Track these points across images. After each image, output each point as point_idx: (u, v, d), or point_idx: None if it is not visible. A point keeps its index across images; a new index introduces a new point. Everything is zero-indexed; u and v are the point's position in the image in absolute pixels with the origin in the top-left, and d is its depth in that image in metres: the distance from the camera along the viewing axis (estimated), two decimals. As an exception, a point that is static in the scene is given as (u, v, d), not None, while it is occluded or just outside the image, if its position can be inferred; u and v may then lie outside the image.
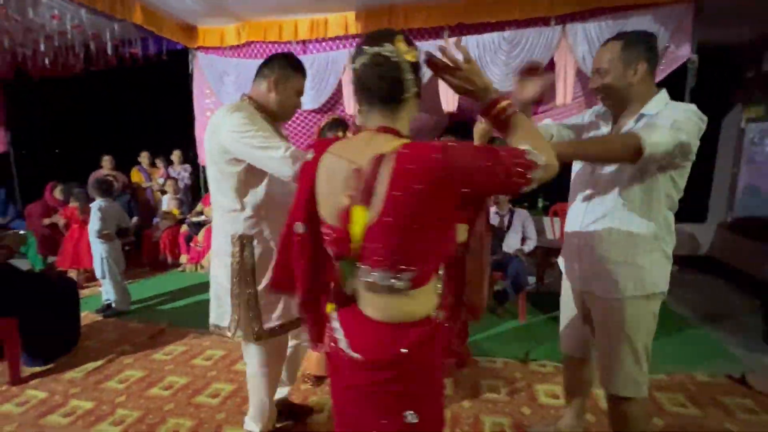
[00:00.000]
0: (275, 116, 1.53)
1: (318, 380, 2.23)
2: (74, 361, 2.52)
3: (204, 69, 4.74)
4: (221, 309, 1.56)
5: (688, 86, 3.40)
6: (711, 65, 3.57)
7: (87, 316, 3.20)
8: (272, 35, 4.35)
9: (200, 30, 4.59)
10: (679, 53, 3.42)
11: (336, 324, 0.92)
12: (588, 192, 1.42)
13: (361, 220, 0.81)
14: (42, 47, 4.04)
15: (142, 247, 4.86)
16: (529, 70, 1.22)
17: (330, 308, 0.95)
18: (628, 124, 1.32)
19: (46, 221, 4.39)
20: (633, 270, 1.33)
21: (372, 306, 0.88)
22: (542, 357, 2.51)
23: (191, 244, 4.72)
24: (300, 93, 1.55)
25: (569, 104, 3.78)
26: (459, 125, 5.72)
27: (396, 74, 0.83)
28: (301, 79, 1.53)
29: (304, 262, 0.96)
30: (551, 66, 3.70)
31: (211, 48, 4.66)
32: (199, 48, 4.71)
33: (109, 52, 4.18)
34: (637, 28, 3.43)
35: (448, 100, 3.99)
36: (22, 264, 3.34)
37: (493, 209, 3.78)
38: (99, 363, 2.50)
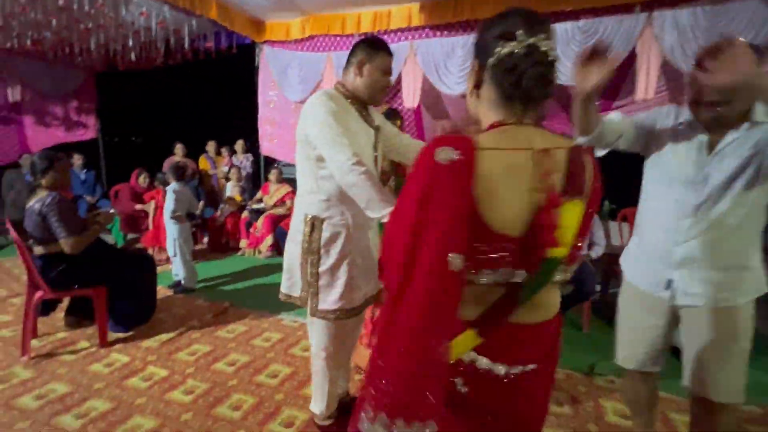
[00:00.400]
0: (366, 101, 1.54)
1: None
2: (151, 331, 2.75)
3: (269, 62, 4.92)
4: (291, 280, 1.65)
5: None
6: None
7: (159, 290, 3.47)
8: (335, 28, 4.40)
9: (268, 24, 4.77)
10: (791, 42, 2.98)
11: (473, 355, 0.75)
12: (691, 202, 1.29)
13: (574, 214, 0.72)
14: (130, 42, 4.41)
15: (207, 231, 5.19)
16: (592, 55, 1.00)
17: (469, 344, 0.74)
18: (735, 133, 1.22)
19: (138, 207, 4.81)
20: (751, 273, 1.29)
21: (544, 307, 0.79)
22: (608, 371, 2.33)
23: (251, 230, 4.97)
24: (387, 72, 1.52)
25: (650, 99, 3.45)
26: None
27: (553, 75, 0.75)
28: (386, 57, 1.50)
29: (453, 310, 0.70)
30: (633, 57, 3.40)
31: (277, 42, 4.83)
32: (265, 42, 4.90)
33: (186, 46, 4.48)
34: (739, 15, 3.06)
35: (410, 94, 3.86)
36: (106, 240, 3.70)
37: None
38: (171, 335, 2.71)
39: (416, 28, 4.11)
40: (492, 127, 0.77)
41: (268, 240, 4.79)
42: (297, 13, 4.45)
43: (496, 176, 0.69)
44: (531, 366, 0.77)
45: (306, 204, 1.55)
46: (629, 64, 3.44)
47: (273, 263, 4.55)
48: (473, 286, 0.73)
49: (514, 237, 0.71)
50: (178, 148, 5.68)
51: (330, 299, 1.55)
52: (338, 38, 4.51)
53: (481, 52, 0.78)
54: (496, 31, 0.74)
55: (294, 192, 4.97)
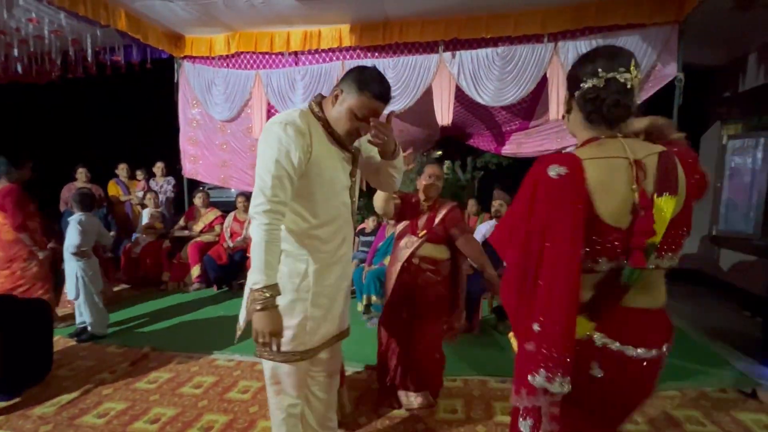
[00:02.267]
0: (337, 132, 1.33)
1: None
2: (45, 393, 2.26)
3: (190, 79, 4.58)
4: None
5: (675, 103, 3.51)
6: (693, 84, 3.71)
7: (59, 341, 2.92)
8: (264, 46, 4.26)
9: (188, 39, 4.46)
10: (666, 71, 3.55)
11: (600, 337, 0.91)
12: None
13: (668, 208, 0.86)
14: (15, 52, 3.80)
15: (120, 265, 4.56)
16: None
17: (587, 328, 0.91)
18: None
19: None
20: None
21: (652, 293, 0.93)
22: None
23: (174, 261, 4.47)
24: (359, 117, 1.28)
25: (563, 120, 3.83)
26: (449, 140, 5.76)
27: (629, 99, 0.91)
28: (370, 101, 1.26)
29: (578, 291, 0.87)
30: (544, 81, 3.76)
31: (199, 57, 4.53)
32: (185, 57, 4.56)
33: (89, 59, 3.99)
34: (626, 46, 3.56)
35: (443, 113, 3.98)
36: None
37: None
38: (74, 395, 2.25)
39: (347, 49, 4.14)
40: (587, 142, 0.96)
41: (195, 270, 4.34)
42: (221, 28, 4.23)
43: (602, 179, 0.87)
44: (656, 351, 0.92)
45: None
46: (542, 87, 3.81)
47: (202, 296, 4.13)
48: (590, 273, 0.90)
49: (624, 229, 0.87)
50: (81, 173, 4.96)
51: (285, 339, 1.33)
52: (266, 56, 4.37)
53: (570, 85, 0.98)
54: (582, 68, 0.94)
55: (224, 216, 4.67)
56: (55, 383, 2.38)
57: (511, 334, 1.03)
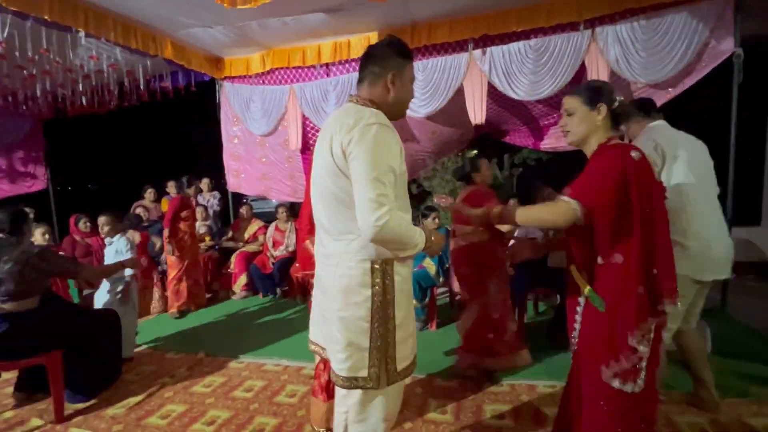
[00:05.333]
0: (392, 117, 1.31)
1: None
2: (116, 396, 2.47)
3: (230, 97, 4.85)
4: (354, 358, 1.26)
5: (735, 82, 3.21)
6: (755, 60, 3.37)
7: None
8: (296, 60, 4.42)
9: (227, 60, 4.72)
10: (721, 47, 3.25)
11: None
12: None
13: None
14: (80, 87, 4.21)
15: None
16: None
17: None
18: None
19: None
20: None
21: None
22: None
23: (222, 271, 4.71)
24: (413, 80, 1.36)
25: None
26: (484, 138, 5.64)
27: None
28: (412, 66, 1.35)
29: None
30: (582, 70, 3.59)
31: (237, 77, 4.78)
32: (225, 78, 4.83)
33: (142, 87, 4.34)
34: (673, 25, 3.32)
35: (476, 112, 3.91)
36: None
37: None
38: (140, 398, 2.44)
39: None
40: (610, 139, 1.34)
41: (242, 279, 4.56)
42: (256, 47, 4.45)
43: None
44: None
45: (356, 248, 1.24)
46: (580, 76, 3.63)
47: (249, 304, 4.32)
48: None
49: None
50: (149, 192, 5.36)
51: (407, 352, 1.31)
52: (299, 70, 4.53)
53: (605, 99, 1.33)
54: (610, 90, 1.36)
55: (266, 227, 4.87)
56: (123, 387, 2.58)
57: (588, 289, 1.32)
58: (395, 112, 1.33)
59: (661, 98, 3.43)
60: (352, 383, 1.27)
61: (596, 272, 1.30)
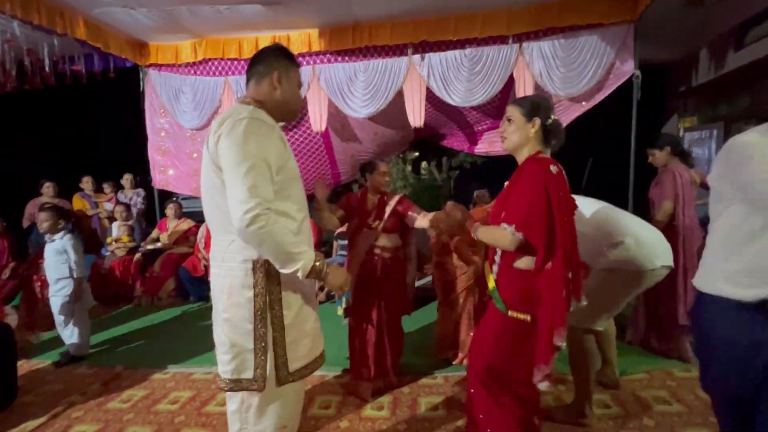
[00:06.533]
0: (279, 118, 1.34)
1: None
2: (10, 420, 2.15)
3: (157, 87, 4.47)
4: (239, 359, 1.24)
5: (634, 99, 3.68)
6: (650, 80, 3.89)
7: (22, 365, 2.78)
8: (231, 52, 4.20)
9: (152, 46, 4.35)
10: (624, 69, 3.70)
11: None
12: None
13: None
14: (-35, 64, 3.61)
15: (90, 281, 4.37)
16: None
17: None
18: None
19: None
20: None
21: None
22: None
23: (146, 274, 4.33)
24: (300, 85, 1.42)
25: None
26: (424, 140, 5.82)
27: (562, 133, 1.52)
28: (299, 71, 1.40)
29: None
30: (510, 82, 3.87)
31: (165, 65, 4.42)
32: (151, 65, 4.45)
33: (47, 68, 3.83)
34: (586, 46, 3.71)
35: (415, 115, 4.03)
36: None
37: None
38: (41, 420, 2.15)
39: (317, 53, 4.13)
40: (538, 153, 1.44)
41: (170, 283, 4.23)
42: (186, 35, 4.14)
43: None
44: None
45: (237, 249, 1.22)
46: (510, 87, 3.91)
47: (177, 310, 4.02)
48: None
49: None
50: (47, 187, 4.74)
51: (301, 352, 1.29)
52: (235, 62, 4.30)
53: (541, 115, 1.44)
54: (547, 107, 1.47)
55: (197, 227, 4.56)
56: (19, 410, 2.26)
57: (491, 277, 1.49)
58: (284, 113, 1.37)
59: (577, 111, 3.82)
60: (236, 385, 1.25)
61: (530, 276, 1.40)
